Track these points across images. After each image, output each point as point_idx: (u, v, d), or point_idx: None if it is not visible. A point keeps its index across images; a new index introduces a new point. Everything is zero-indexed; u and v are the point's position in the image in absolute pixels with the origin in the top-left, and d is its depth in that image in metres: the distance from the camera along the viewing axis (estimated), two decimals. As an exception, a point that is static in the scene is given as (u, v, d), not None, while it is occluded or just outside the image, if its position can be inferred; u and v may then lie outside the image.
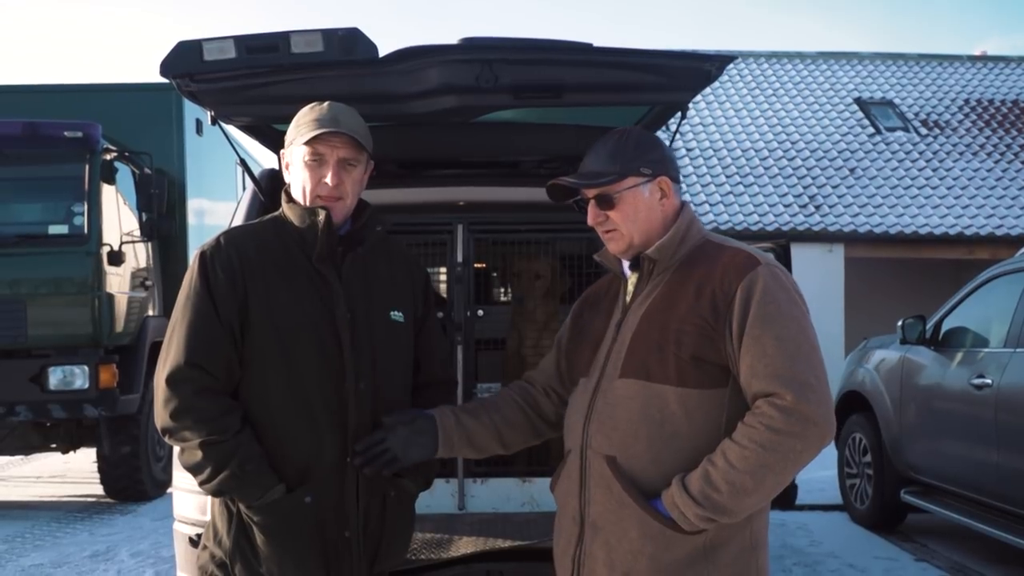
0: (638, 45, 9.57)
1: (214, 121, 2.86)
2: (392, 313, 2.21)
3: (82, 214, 6.98)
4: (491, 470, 3.72)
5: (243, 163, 3.59)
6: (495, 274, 5.38)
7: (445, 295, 4.18)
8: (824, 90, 16.18)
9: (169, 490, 4.00)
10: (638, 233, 1.99)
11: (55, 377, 6.76)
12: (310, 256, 2.13)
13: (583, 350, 2.08)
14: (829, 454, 6.38)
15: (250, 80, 2.56)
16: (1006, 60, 17.65)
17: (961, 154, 14.37)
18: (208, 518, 2.18)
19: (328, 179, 2.11)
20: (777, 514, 6.33)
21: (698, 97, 4.07)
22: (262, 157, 10.57)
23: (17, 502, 7.72)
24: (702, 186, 13.40)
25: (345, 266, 2.16)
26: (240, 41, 2.44)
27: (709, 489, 1.77)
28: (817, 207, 12.89)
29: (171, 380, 2.02)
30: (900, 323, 5.90)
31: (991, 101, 15.99)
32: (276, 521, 2.05)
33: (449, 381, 2.47)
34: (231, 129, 3.09)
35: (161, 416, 2.04)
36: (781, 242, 3.69)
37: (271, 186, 3.46)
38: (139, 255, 7.74)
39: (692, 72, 2.67)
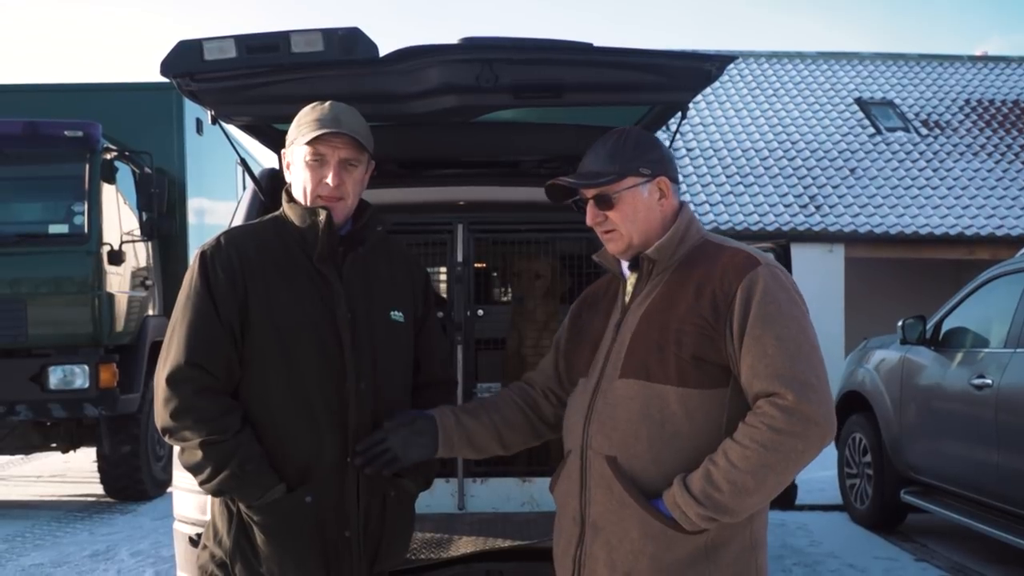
0: (638, 45, 9.57)
1: (214, 121, 2.86)
2: (392, 313, 2.21)
3: (82, 213, 6.98)
4: (491, 470, 3.72)
5: (243, 163, 3.59)
6: (495, 274, 5.38)
7: (445, 295, 4.18)
8: (824, 90, 16.18)
9: (169, 490, 4.00)
10: (637, 233, 1.99)
11: (55, 376, 6.76)
12: (311, 256, 2.13)
13: (582, 351, 2.08)
14: (829, 454, 6.39)
15: (250, 80, 2.56)
16: (1007, 60, 17.64)
17: (961, 154, 14.37)
18: (208, 518, 2.18)
19: (329, 179, 2.11)
20: (777, 514, 6.34)
21: (698, 97, 4.07)
22: (262, 157, 10.59)
23: (17, 501, 7.72)
24: (702, 186, 13.40)
25: (346, 266, 2.16)
26: (240, 41, 2.44)
27: (711, 489, 1.77)
28: (817, 207, 12.89)
29: (171, 380, 2.02)
30: (900, 323, 5.90)
31: (991, 101, 15.99)
32: (276, 521, 2.05)
33: (449, 381, 2.47)
34: (231, 129, 3.09)
35: (161, 416, 2.04)
36: (781, 242, 3.69)
37: (271, 186, 3.46)
38: (139, 254, 7.74)
39: (692, 72, 2.67)
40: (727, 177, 13.63)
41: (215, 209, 9.34)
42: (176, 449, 2.17)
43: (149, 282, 7.88)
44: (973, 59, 17.68)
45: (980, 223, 12.64)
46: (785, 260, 3.52)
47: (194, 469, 2.05)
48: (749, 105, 15.65)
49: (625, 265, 2.06)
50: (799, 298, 1.90)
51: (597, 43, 2.56)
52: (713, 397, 1.87)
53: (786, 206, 12.92)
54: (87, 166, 7.02)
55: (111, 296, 7.05)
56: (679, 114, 3.10)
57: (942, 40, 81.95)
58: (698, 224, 2.05)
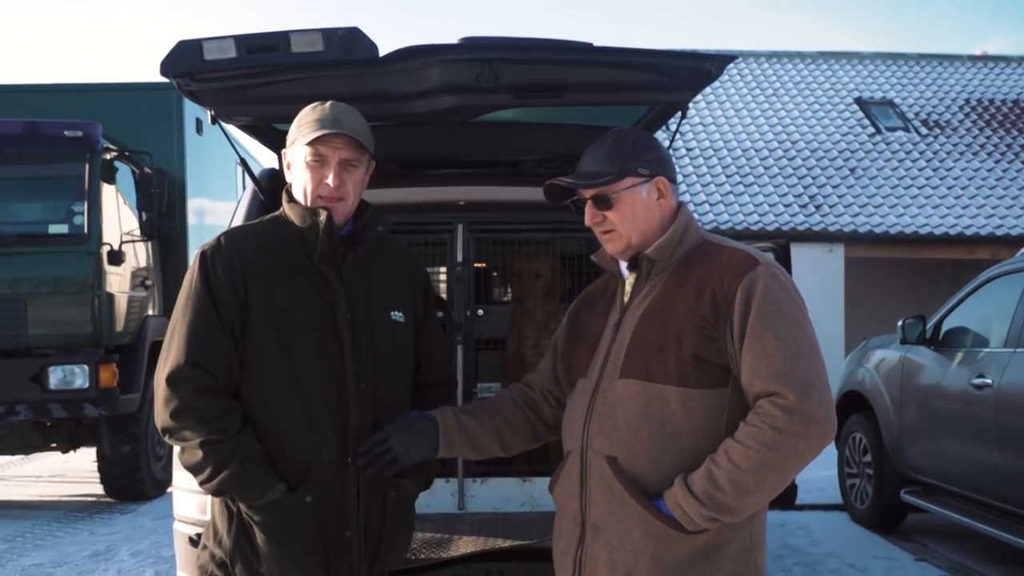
0: (638, 45, 9.57)
1: (214, 120, 2.86)
2: (392, 313, 2.21)
3: (82, 214, 6.98)
4: (491, 470, 3.72)
5: (243, 163, 3.59)
6: (495, 274, 5.38)
7: (445, 295, 4.18)
8: (824, 90, 16.17)
9: (169, 490, 4.00)
10: (636, 233, 1.99)
11: (55, 376, 6.76)
12: (311, 256, 2.13)
13: (580, 351, 2.08)
14: (829, 454, 6.39)
15: (250, 80, 2.56)
16: (1006, 60, 17.64)
17: (961, 154, 14.37)
18: (208, 518, 2.18)
19: (330, 180, 2.11)
20: (777, 514, 6.35)
21: (698, 97, 4.07)
22: (262, 157, 10.59)
23: (17, 502, 7.72)
24: (702, 186, 13.39)
25: (346, 266, 2.16)
26: (240, 41, 2.44)
27: (713, 489, 1.78)
28: (817, 207, 12.89)
29: (171, 380, 2.02)
30: (900, 323, 5.90)
31: (991, 101, 15.99)
32: (277, 521, 2.05)
33: (449, 381, 2.48)
34: (231, 129, 3.09)
35: (161, 416, 2.04)
36: (781, 242, 3.69)
37: (271, 186, 3.46)
38: (139, 255, 7.74)
39: (692, 72, 2.67)
40: (727, 177, 13.62)
41: (215, 209, 9.34)
42: (176, 449, 2.17)
43: (149, 282, 7.88)
44: (973, 59, 17.68)
45: (980, 223, 12.64)
46: (785, 260, 3.52)
47: (194, 469, 2.05)
48: (749, 105, 15.65)
49: (623, 265, 2.06)
50: (798, 298, 1.90)
51: (597, 43, 2.56)
52: (713, 397, 1.87)
53: (786, 206, 12.92)
54: (87, 166, 7.02)
55: (111, 296, 7.05)
56: (679, 114, 3.10)
57: (942, 40, 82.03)
58: (696, 224, 2.05)
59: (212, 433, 2.00)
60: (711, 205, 12.88)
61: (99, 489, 7.64)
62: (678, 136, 12.56)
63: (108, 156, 7.26)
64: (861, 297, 12.76)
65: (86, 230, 6.94)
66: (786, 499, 2.97)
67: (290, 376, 2.07)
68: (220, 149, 7.43)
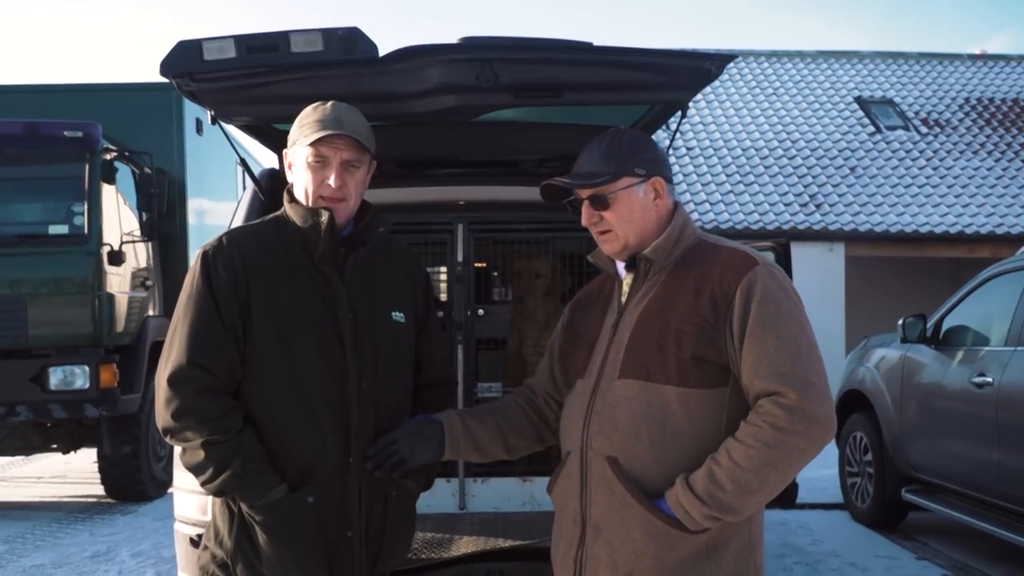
0: (638, 45, 9.56)
1: (214, 121, 2.86)
2: (394, 314, 2.22)
3: (82, 214, 6.98)
4: (492, 470, 3.71)
5: (243, 163, 3.59)
6: (495, 273, 5.38)
7: (445, 295, 4.18)
8: (824, 89, 16.17)
9: (170, 490, 4.01)
10: (633, 234, 1.99)
11: (55, 377, 6.76)
12: (312, 256, 2.13)
13: (578, 352, 2.08)
14: (830, 453, 6.38)
15: (250, 80, 2.56)
16: (1006, 59, 17.63)
17: (961, 153, 14.37)
18: (209, 518, 2.18)
19: (331, 181, 2.11)
20: (778, 513, 6.35)
21: (698, 96, 4.07)
22: (262, 157, 10.58)
23: (18, 502, 7.72)
24: (702, 185, 13.39)
25: (347, 267, 2.16)
26: (240, 41, 2.44)
27: (714, 488, 1.78)
28: (817, 206, 12.89)
29: (173, 380, 2.02)
30: (901, 322, 5.90)
31: (991, 100, 15.98)
32: (278, 521, 2.05)
33: (450, 382, 2.49)
34: (231, 129, 3.09)
35: (163, 416, 2.04)
36: (781, 241, 3.70)
37: (271, 186, 3.47)
38: (139, 255, 7.73)
39: (692, 71, 2.68)
40: (727, 176, 13.62)
41: (215, 209, 9.34)
42: (177, 450, 2.16)
43: (149, 282, 7.88)
44: (973, 58, 17.67)
45: (980, 221, 12.64)
46: (785, 259, 3.52)
47: (196, 469, 2.05)
48: (749, 104, 15.65)
49: (620, 266, 2.06)
50: (796, 297, 1.91)
51: (597, 43, 2.56)
52: (713, 397, 1.87)
53: (786, 205, 12.92)
54: (87, 166, 7.01)
55: (111, 296, 7.04)
56: (679, 113, 3.10)
57: (942, 39, 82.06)
58: (693, 224, 2.06)
59: (214, 433, 2.00)
60: (711, 204, 12.87)
61: (100, 490, 7.64)
62: (678, 135, 12.54)
63: (108, 156, 7.25)
64: (861, 296, 12.76)
65: (86, 230, 6.93)
66: (787, 498, 2.98)
67: (292, 376, 2.07)
68: (220, 149, 7.43)
